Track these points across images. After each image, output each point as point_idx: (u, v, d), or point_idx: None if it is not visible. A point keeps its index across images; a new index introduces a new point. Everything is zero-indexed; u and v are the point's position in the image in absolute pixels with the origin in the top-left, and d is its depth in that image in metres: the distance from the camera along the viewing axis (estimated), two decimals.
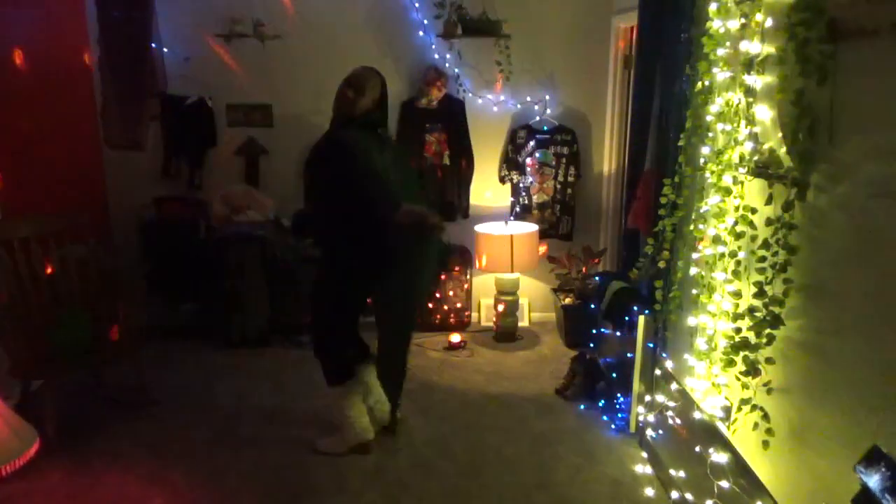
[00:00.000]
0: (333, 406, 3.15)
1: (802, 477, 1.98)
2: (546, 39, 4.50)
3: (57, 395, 3.19)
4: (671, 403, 2.82)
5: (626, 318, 3.31)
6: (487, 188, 4.74)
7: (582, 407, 3.58)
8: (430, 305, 4.64)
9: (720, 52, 2.42)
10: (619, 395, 3.43)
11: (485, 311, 4.86)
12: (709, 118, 2.50)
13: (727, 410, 2.36)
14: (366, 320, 3.17)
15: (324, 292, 3.10)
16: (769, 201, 2.10)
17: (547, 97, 4.55)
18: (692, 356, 2.63)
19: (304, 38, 4.44)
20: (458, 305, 4.69)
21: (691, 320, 2.63)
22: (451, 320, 4.69)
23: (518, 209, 4.70)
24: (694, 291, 2.65)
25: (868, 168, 1.71)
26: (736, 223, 2.29)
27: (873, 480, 1.52)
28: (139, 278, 4.38)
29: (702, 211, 2.59)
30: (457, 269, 4.63)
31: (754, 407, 2.18)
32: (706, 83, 2.52)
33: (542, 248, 4.63)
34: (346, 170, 2.84)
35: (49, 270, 3.39)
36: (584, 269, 4.41)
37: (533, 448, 3.20)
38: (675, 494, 2.69)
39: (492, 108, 4.60)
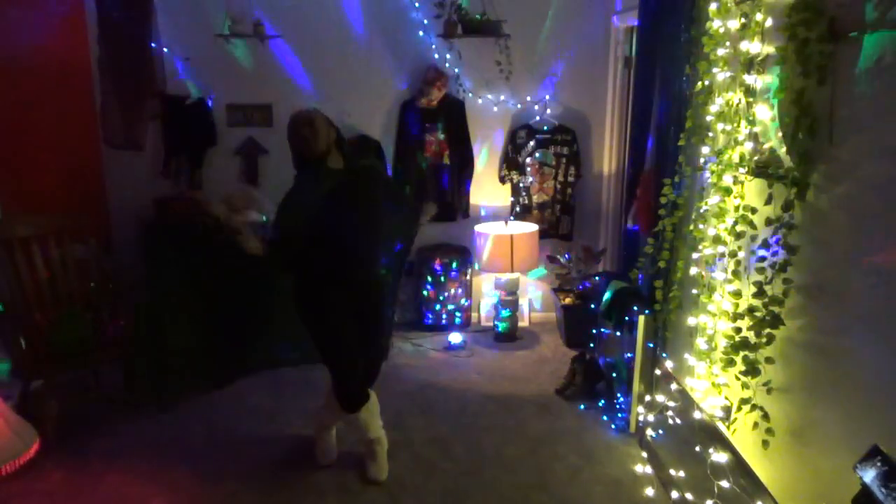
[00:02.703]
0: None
1: (802, 477, 1.99)
2: (546, 39, 4.50)
3: (57, 395, 3.19)
4: (671, 403, 2.82)
5: (626, 318, 3.31)
6: (487, 188, 4.74)
7: (582, 407, 3.58)
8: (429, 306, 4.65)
9: (720, 52, 2.42)
10: (619, 395, 3.43)
11: (485, 311, 4.86)
12: (709, 118, 2.50)
13: (727, 410, 2.36)
14: None
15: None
16: (769, 201, 2.11)
17: (547, 97, 4.55)
18: (692, 356, 2.63)
19: (304, 38, 4.44)
20: (459, 305, 4.69)
21: (691, 320, 2.63)
22: (452, 320, 4.69)
23: (518, 209, 4.70)
24: (694, 291, 2.65)
25: (868, 168, 1.71)
26: (736, 223, 2.29)
27: (873, 480, 1.53)
28: (139, 278, 4.38)
29: (702, 211, 2.59)
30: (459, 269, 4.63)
31: (754, 407, 2.18)
32: (706, 83, 2.52)
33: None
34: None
35: (49, 270, 3.39)
36: (570, 263, 4.41)
37: (533, 448, 3.20)
38: (675, 494, 2.69)
39: (492, 108, 4.60)
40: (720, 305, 2.40)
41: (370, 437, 2.97)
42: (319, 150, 2.78)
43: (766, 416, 2.14)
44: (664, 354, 3.02)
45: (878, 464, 1.52)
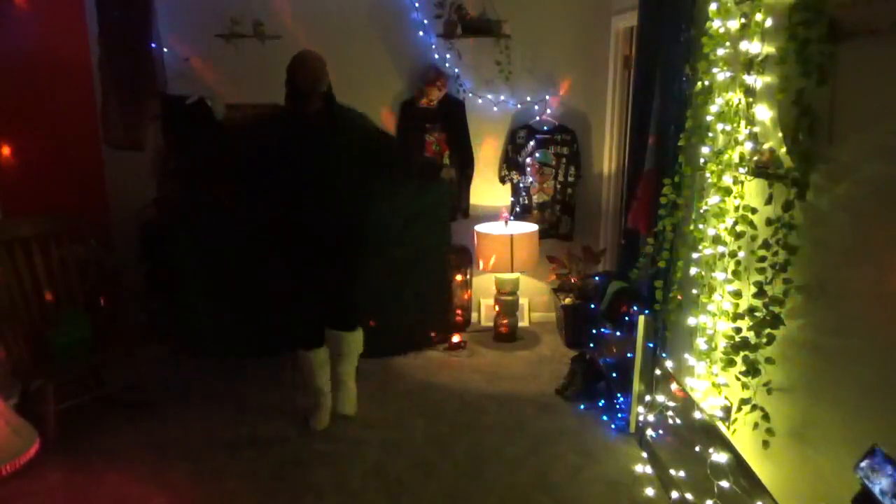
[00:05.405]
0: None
1: (802, 477, 1.99)
2: (546, 39, 4.50)
3: (57, 395, 3.19)
4: (671, 403, 2.82)
5: (626, 318, 3.31)
6: (487, 188, 4.74)
7: (582, 407, 3.58)
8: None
9: (720, 52, 2.42)
10: (619, 395, 3.43)
11: (485, 311, 4.86)
12: (709, 118, 2.51)
13: (727, 410, 2.36)
14: None
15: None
16: (769, 201, 2.11)
17: (547, 97, 4.55)
18: (692, 356, 2.63)
19: (304, 38, 4.43)
20: (458, 305, 4.69)
21: (691, 320, 2.63)
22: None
23: (518, 209, 4.70)
24: (694, 291, 2.65)
25: (868, 168, 1.71)
26: (736, 223, 2.29)
27: (873, 480, 1.52)
28: (139, 278, 4.38)
29: (702, 211, 2.59)
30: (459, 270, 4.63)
31: (754, 407, 2.18)
32: (706, 83, 2.52)
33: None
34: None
35: (49, 270, 3.39)
36: (576, 275, 4.40)
37: (533, 448, 3.20)
38: (675, 494, 2.70)
39: (492, 108, 4.60)
40: (720, 305, 2.40)
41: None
42: (322, 86, 3.03)
43: (766, 417, 2.14)
44: (664, 354, 3.02)
45: (890, 473, 1.50)
